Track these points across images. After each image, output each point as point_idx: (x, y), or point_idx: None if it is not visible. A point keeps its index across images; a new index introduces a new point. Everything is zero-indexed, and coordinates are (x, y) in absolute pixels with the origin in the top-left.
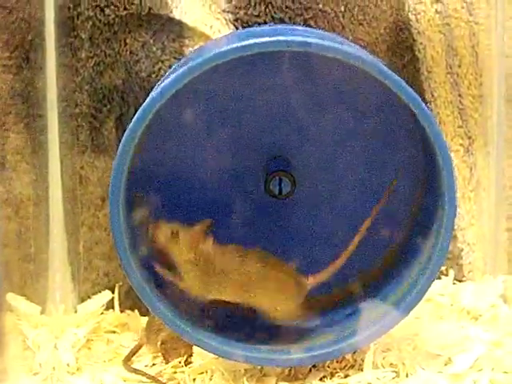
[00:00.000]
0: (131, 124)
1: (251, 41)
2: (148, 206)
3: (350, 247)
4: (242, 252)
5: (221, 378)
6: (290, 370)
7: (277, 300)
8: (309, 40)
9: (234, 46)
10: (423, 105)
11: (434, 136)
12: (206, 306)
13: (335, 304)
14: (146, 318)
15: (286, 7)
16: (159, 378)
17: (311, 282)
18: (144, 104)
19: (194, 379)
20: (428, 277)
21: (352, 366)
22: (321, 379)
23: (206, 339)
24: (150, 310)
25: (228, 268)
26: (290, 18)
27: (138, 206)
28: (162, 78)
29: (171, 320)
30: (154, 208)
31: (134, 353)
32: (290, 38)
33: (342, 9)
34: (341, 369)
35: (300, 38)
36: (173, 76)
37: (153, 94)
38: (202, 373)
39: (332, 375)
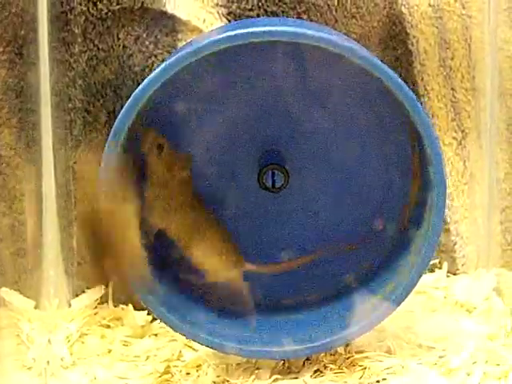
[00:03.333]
0: (120, 114)
1: (242, 30)
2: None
3: (295, 263)
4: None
5: (214, 372)
6: (284, 364)
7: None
8: (299, 30)
9: (225, 35)
10: (410, 93)
11: (423, 127)
12: (199, 298)
13: (325, 297)
14: (140, 313)
15: (279, 1)
16: None
17: (247, 266)
18: (133, 95)
19: (188, 373)
20: (418, 269)
21: (345, 359)
22: (315, 372)
23: (198, 332)
24: (142, 302)
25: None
26: (283, 11)
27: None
28: (154, 68)
29: (162, 313)
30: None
31: None
32: (280, 29)
33: (335, 2)
34: (334, 361)
35: (291, 28)
36: (162, 66)
37: (142, 84)
38: (196, 366)
39: (325, 368)
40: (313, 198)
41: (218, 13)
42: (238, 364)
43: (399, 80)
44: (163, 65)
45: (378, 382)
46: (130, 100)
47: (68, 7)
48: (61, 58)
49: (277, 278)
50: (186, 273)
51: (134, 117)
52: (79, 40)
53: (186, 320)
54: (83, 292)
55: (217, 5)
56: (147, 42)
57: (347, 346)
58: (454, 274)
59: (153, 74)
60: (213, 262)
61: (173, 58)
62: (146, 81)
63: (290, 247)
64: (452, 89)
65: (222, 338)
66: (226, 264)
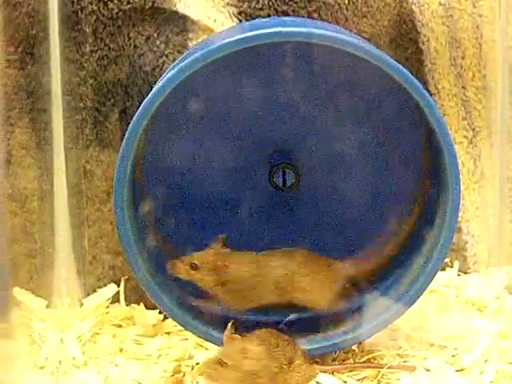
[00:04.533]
0: (135, 117)
1: (254, 32)
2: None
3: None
4: (266, 257)
5: None
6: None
7: (315, 292)
8: (311, 30)
9: (237, 37)
10: (426, 93)
11: (438, 126)
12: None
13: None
14: (151, 312)
15: (290, 0)
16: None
17: (346, 267)
18: (148, 97)
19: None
20: (432, 268)
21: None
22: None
23: (211, 331)
24: (154, 302)
25: (259, 274)
26: (293, 10)
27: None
28: (165, 71)
29: (175, 312)
30: (159, 202)
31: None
32: (292, 29)
33: (346, 1)
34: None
35: (302, 29)
36: (176, 68)
37: (156, 86)
38: None
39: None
40: (323, 197)
41: (228, 12)
42: None
43: (413, 79)
44: (177, 68)
45: (390, 380)
46: (143, 104)
47: (79, 7)
48: (72, 57)
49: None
50: None
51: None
52: (90, 40)
53: (195, 318)
54: (95, 291)
55: (227, 4)
56: (158, 42)
57: (360, 344)
58: (466, 273)
59: (166, 77)
60: None
61: (185, 62)
62: (159, 84)
63: (302, 245)
64: (463, 87)
65: None
66: None
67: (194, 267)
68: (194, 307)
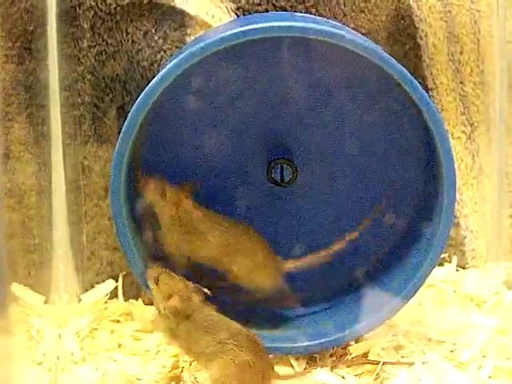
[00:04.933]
0: (131, 112)
1: (251, 26)
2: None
3: (331, 249)
4: (225, 222)
5: None
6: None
7: (251, 273)
8: (308, 25)
9: (235, 31)
10: (422, 90)
11: (433, 121)
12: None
13: (336, 292)
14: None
15: None
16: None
17: (288, 265)
18: (144, 90)
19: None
20: (429, 263)
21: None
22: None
23: None
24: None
25: (208, 232)
26: (291, 6)
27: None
28: (163, 65)
29: None
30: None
31: None
32: (290, 24)
33: None
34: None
35: (300, 24)
36: (173, 62)
37: (153, 80)
38: None
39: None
40: (321, 192)
41: (226, 7)
42: None
43: (409, 75)
44: (174, 61)
45: (388, 375)
46: (140, 98)
47: (77, 2)
48: (70, 52)
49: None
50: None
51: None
52: (88, 35)
53: None
54: (93, 287)
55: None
56: (156, 37)
57: (358, 340)
58: (464, 268)
59: (163, 71)
60: None
61: (185, 53)
62: (156, 78)
63: (299, 241)
64: (461, 82)
65: None
66: None
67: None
68: None
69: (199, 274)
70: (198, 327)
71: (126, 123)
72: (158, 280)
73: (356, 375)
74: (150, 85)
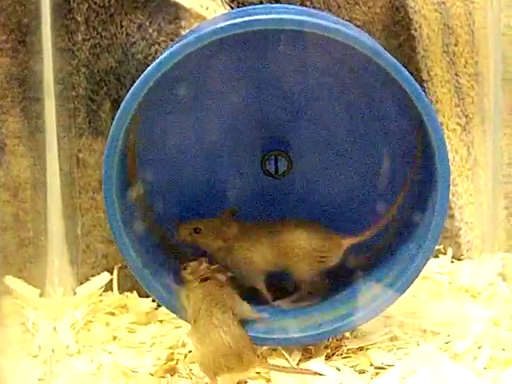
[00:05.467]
0: (123, 103)
1: (246, 18)
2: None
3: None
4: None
5: None
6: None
7: (314, 261)
8: (303, 18)
9: (228, 23)
10: (413, 80)
11: (425, 113)
12: None
13: (331, 283)
14: (144, 300)
15: None
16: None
17: (347, 241)
18: (137, 81)
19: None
20: (424, 255)
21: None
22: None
23: None
24: (145, 288)
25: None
26: None
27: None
28: (157, 56)
29: (167, 299)
30: (150, 189)
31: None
32: (284, 16)
33: None
34: (340, 347)
35: (294, 17)
36: (166, 53)
37: (146, 70)
38: None
39: (333, 354)
40: (316, 184)
41: (221, 0)
42: None
43: (401, 66)
44: (166, 53)
45: (383, 367)
46: (132, 89)
47: None
48: (64, 46)
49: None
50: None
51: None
52: (82, 28)
53: None
54: (88, 280)
55: None
56: (150, 30)
57: (353, 331)
58: (459, 260)
59: (157, 61)
60: None
61: (176, 46)
62: (149, 68)
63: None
64: (455, 74)
65: None
66: None
67: (198, 231)
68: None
69: None
70: (210, 297)
71: (117, 115)
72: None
73: (352, 366)
74: (142, 76)
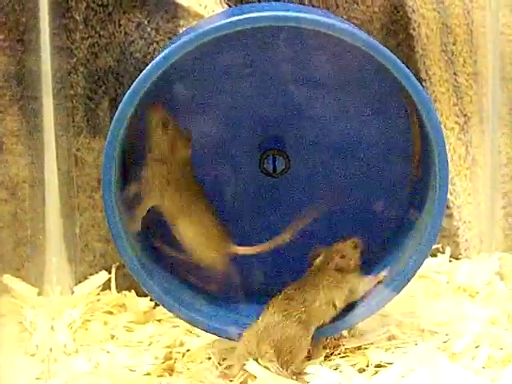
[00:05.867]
0: (122, 102)
1: (244, 16)
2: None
3: (282, 236)
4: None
5: (216, 358)
6: None
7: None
8: (300, 15)
9: (225, 21)
10: (413, 77)
11: (425, 110)
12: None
13: None
14: (142, 299)
15: None
16: None
17: (236, 249)
18: (136, 80)
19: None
20: (421, 254)
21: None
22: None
23: (198, 317)
24: (141, 286)
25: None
26: None
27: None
28: (155, 55)
29: (162, 298)
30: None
31: None
32: (281, 13)
33: None
34: (338, 346)
35: (292, 13)
36: (164, 52)
37: (145, 69)
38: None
39: (332, 353)
40: (314, 183)
41: None
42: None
43: (402, 64)
44: (165, 51)
45: (383, 365)
46: (131, 89)
47: None
48: (62, 44)
49: (277, 263)
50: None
51: (138, 100)
52: (81, 27)
53: (184, 305)
54: (86, 279)
55: None
56: (149, 29)
57: (351, 331)
58: (457, 259)
59: (155, 60)
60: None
61: (174, 45)
62: (148, 67)
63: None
64: (454, 73)
65: (221, 323)
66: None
67: (165, 124)
68: (183, 294)
69: None
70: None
71: (116, 114)
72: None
73: (351, 365)
74: (140, 75)
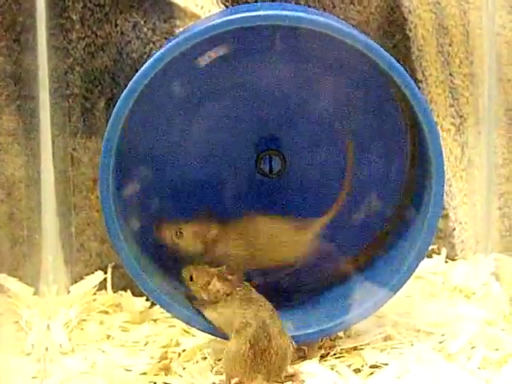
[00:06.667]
0: (119, 102)
1: (239, 15)
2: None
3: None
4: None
5: (212, 357)
6: None
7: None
8: (296, 14)
9: (220, 21)
10: (409, 78)
11: (421, 112)
12: None
13: (324, 283)
14: (138, 299)
15: None
16: None
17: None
18: (132, 81)
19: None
20: (417, 254)
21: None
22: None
23: (195, 316)
24: (139, 287)
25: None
26: None
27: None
28: (151, 56)
29: (161, 298)
30: (145, 187)
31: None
32: (276, 13)
33: None
34: (334, 347)
35: (287, 13)
36: (160, 51)
37: (141, 70)
38: (194, 352)
39: (327, 354)
40: (311, 183)
41: None
42: None
43: (398, 65)
44: (160, 51)
45: (377, 366)
46: (126, 90)
47: None
48: (59, 44)
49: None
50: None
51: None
52: (77, 27)
53: (181, 304)
54: (82, 278)
55: None
56: (145, 29)
57: (346, 331)
58: (453, 260)
59: (151, 59)
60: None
61: (170, 45)
62: (144, 67)
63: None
64: (450, 74)
65: None
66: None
67: (179, 234)
68: (180, 294)
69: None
70: (239, 301)
71: (113, 114)
72: (192, 277)
73: (347, 365)
74: (136, 75)
